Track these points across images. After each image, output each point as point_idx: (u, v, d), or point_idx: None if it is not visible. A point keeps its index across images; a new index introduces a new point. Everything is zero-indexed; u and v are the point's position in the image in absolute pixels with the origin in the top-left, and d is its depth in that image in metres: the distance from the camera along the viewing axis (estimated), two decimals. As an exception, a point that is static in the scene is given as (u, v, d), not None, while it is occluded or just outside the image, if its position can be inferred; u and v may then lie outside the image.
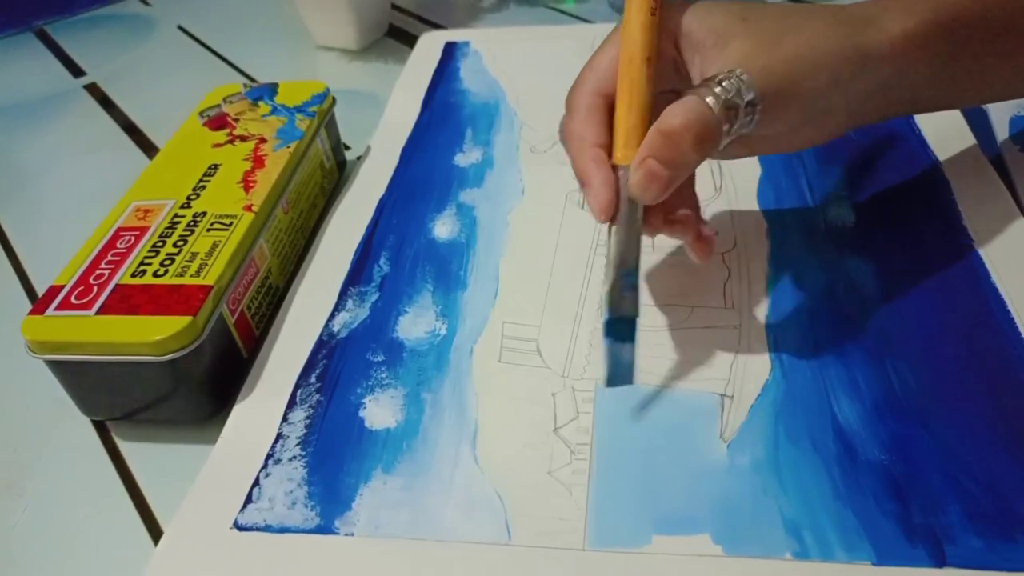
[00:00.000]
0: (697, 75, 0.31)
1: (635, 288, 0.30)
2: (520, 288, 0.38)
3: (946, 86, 0.33)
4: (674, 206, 0.33)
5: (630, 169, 0.30)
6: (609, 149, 0.31)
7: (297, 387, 0.35)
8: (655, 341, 0.35)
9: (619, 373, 0.31)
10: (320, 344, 0.37)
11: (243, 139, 0.43)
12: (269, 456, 0.32)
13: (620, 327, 0.30)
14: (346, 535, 0.29)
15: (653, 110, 0.30)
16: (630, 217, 0.30)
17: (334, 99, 0.47)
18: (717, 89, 0.28)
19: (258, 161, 0.41)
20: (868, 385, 0.32)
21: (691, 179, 0.35)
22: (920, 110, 0.37)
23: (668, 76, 0.33)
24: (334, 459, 0.32)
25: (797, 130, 0.31)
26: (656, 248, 0.39)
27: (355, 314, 0.38)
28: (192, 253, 0.35)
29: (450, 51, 0.58)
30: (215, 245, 0.36)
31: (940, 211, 0.39)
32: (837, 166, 0.43)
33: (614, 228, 0.31)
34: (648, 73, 0.31)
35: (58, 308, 0.33)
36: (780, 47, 0.29)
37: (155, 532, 0.32)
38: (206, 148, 0.43)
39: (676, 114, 0.29)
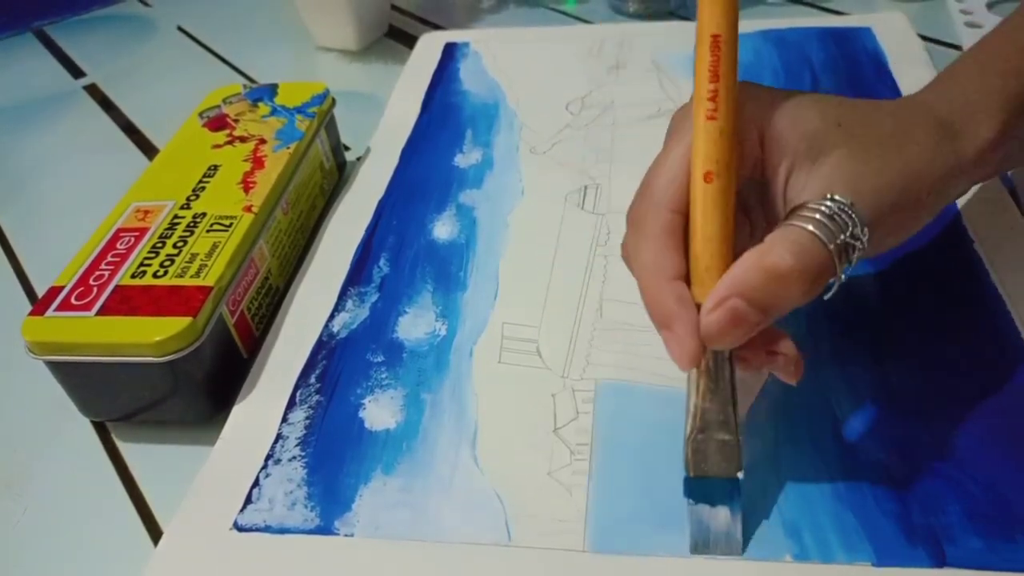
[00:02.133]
0: (781, 183, 0.27)
1: (731, 441, 0.26)
2: (520, 289, 0.38)
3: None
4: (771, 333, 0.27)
5: (703, 309, 0.25)
6: (689, 280, 0.26)
7: (297, 388, 0.35)
8: (654, 341, 0.35)
9: (713, 541, 0.27)
10: (320, 345, 0.37)
11: (243, 140, 0.43)
12: (269, 457, 0.32)
13: (712, 489, 0.27)
14: (346, 536, 0.29)
15: (732, 230, 0.26)
16: (718, 361, 0.26)
17: (334, 100, 0.47)
18: (826, 222, 0.25)
19: (258, 162, 0.41)
20: (868, 385, 0.32)
21: None
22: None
23: (745, 174, 0.28)
24: (334, 460, 0.32)
25: (893, 241, 0.28)
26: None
27: (355, 315, 0.38)
28: (192, 254, 0.35)
29: (450, 52, 0.58)
30: (215, 246, 0.36)
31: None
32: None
33: (694, 373, 0.26)
34: (715, 191, 0.26)
35: (58, 309, 0.33)
36: (884, 170, 0.26)
37: (155, 532, 0.32)
38: (206, 149, 0.43)
39: (785, 252, 0.24)
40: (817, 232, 0.24)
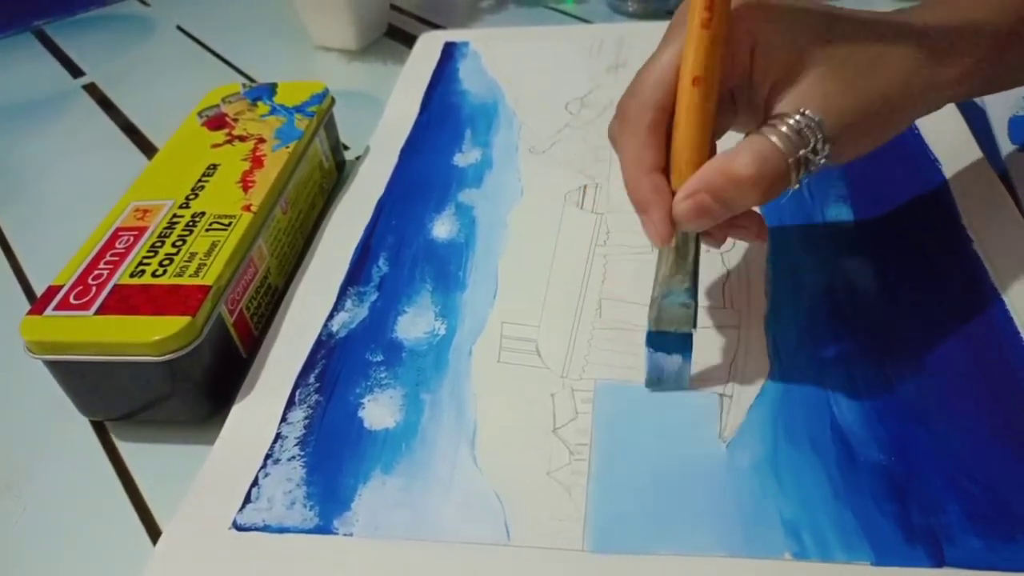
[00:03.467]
0: (765, 93, 0.29)
1: (689, 304, 0.30)
2: (519, 288, 0.38)
3: (1001, 79, 0.33)
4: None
5: (678, 194, 0.28)
6: (668, 172, 0.29)
7: (296, 387, 0.35)
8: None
9: (664, 380, 0.32)
10: (319, 344, 0.37)
11: (242, 139, 0.43)
12: (268, 456, 0.32)
13: (671, 340, 0.31)
14: (345, 535, 0.29)
15: (711, 129, 0.29)
16: (685, 239, 0.30)
17: (333, 99, 0.47)
18: (792, 136, 0.27)
19: (257, 161, 0.41)
20: (867, 385, 0.32)
21: None
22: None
23: (732, 80, 0.30)
24: (333, 459, 0.32)
25: (853, 154, 0.30)
26: (653, 248, 0.39)
27: (354, 314, 0.38)
28: (191, 253, 0.35)
29: (449, 51, 0.58)
30: (214, 245, 0.36)
31: (939, 211, 0.39)
32: (835, 167, 0.42)
33: (665, 248, 0.30)
34: (699, 96, 0.28)
35: (56, 308, 0.33)
36: (860, 89, 0.28)
37: (154, 532, 0.32)
38: (205, 148, 0.43)
39: (746, 161, 0.27)
40: (779, 144, 0.27)
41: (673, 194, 0.29)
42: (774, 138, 0.27)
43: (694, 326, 0.31)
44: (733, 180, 0.27)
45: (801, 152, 0.27)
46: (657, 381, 0.33)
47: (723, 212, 0.28)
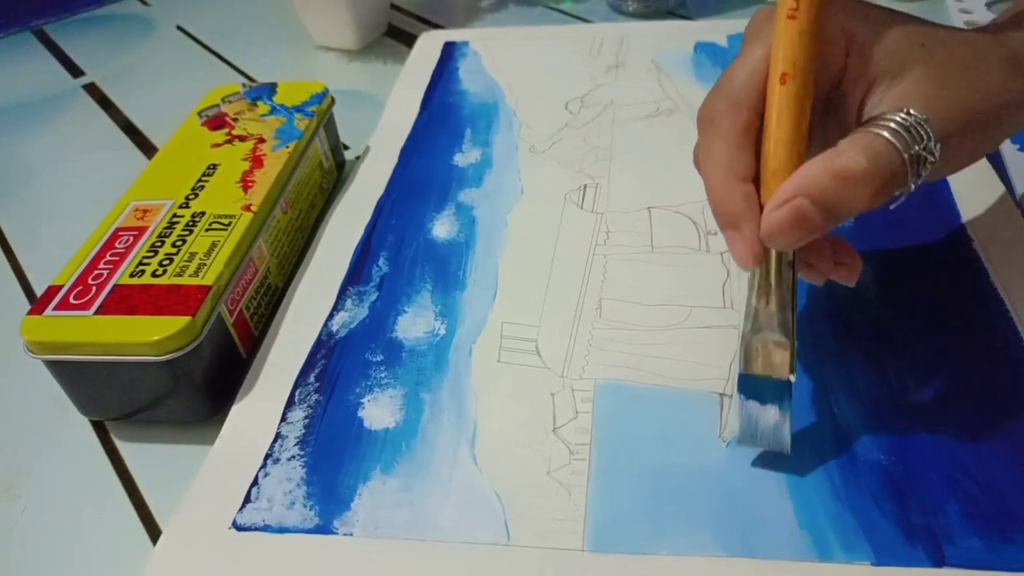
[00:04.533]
0: (860, 95, 0.27)
1: (785, 343, 0.26)
2: (519, 288, 0.38)
3: None
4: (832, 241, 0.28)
5: (765, 208, 0.25)
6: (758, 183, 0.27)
7: (296, 387, 0.35)
8: (654, 340, 0.35)
9: (759, 436, 0.28)
10: (319, 344, 0.37)
11: (242, 139, 0.43)
12: (268, 456, 0.32)
13: (763, 386, 0.27)
14: (345, 535, 0.29)
15: (805, 133, 0.26)
16: (781, 265, 0.26)
17: (333, 99, 0.47)
18: (902, 131, 0.25)
19: (257, 161, 0.41)
20: (866, 385, 0.32)
21: None
22: None
23: (827, 82, 0.28)
24: (333, 459, 0.32)
25: (957, 164, 0.29)
26: (657, 249, 0.39)
27: (354, 314, 0.38)
28: (191, 253, 0.35)
29: (449, 51, 0.58)
30: (214, 245, 0.36)
31: (939, 210, 0.39)
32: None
33: (755, 274, 0.27)
34: (791, 93, 0.26)
35: (56, 308, 0.33)
36: (961, 92, 0.26)
37: (153, 532, 0.32)
38: (205, 148, 0.43)
39: (855, 156, 0.24)
40: (892, 139, 0.25)
41: (763, 208, 0.26)
42: (884, 132, 0.25)
43: (792, 372, 0.26)
44: (841, 178, 0.24)
45: (915, 148, 0.25)
46: (751, 437, 0.28)
47: (824, 222, 0.25)
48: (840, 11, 0.27)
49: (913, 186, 0.25)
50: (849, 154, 0.25)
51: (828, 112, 0.29)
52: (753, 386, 0.27)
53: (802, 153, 0.26)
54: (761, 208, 0.26)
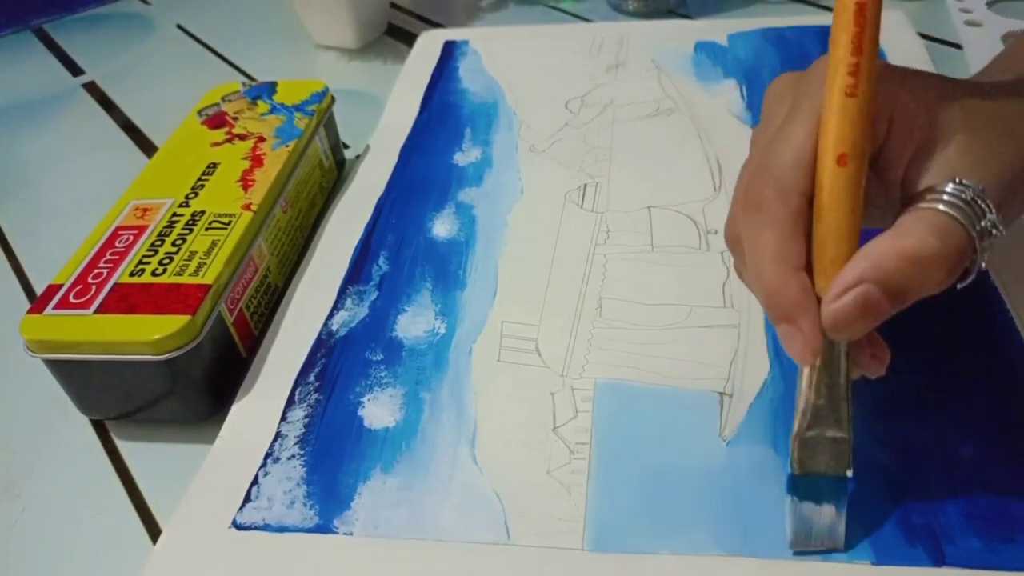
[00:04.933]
0: (903, 166, 0.26)
1: (843, 439, 0.25)
2: (519, 287, 0.38)
3: None
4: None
5: (827, 296, 0.24)
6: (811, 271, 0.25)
7: (296, 386, 0.35)
8: (654, 340, 0.35)
9: (813, 536, 0.27)
10: (319, 343, 0.37)
11: (242, 138, 0.43)
12: (268, 455, 0.32)
13: (819, 486, 0.26)
14: (345, 535, 0.29)
15: (861, 217, 0.25)
16: (834, 355, 0.25)
17: (333, 98, 0.47)
18: (962, 204, 0.23)
19: (257, 160, 0.41)
20: (866, 384, 0.32)
21: None
22: None
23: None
24: (333, 458, 0.32)
25: (1012, 222, 0.26)
26: (657, 249, 0.39)
27: (354, 313, 0.38)
28: (191, 252, 0.35)
29: (449, 50, 0.58)
30: (214, 244, 0.36)
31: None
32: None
33: (807, 368, 0.25)
34: (848, 177, 0.24)
35: (56, 307, 0.33)
36: (1006, 155, 0.25)
37: (154, 531, 0.32)
38: (205, 147, 0.43)
39: (928, 235, 0.23)
40: (957, 216, 0.23)
41: (818, 300, 0.24)
42: (948, 209, 0.23)
43: (851, 466, 0.26)
44: (911, 260, 0.23)
45: (982, 223, 0.23)
46: (805, 539, 0.27)
47: (893, 307, 0.23)
48: (883, 80, 0.25)
49: (983, 263, 0.24)
50: (918, 234, 0.23)
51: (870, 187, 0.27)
52: (807, 486, 0.26)
53: (857, 239, 0.24)
54: (817, 299, 0.24)
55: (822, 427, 0.25)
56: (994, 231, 0.24)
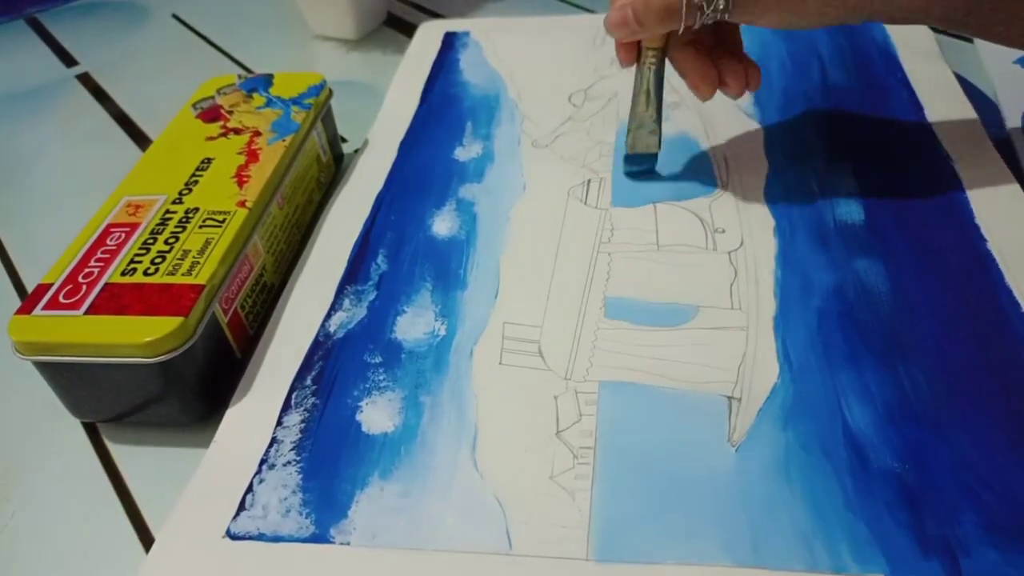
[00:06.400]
0: None
1: (655, 130, 0.40)
2: (521, 287, 0.37)
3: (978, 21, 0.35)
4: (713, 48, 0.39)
5: (614, 4, 0.36)
6: None
7: (292, 390, 0.34)
8: (660, 342, 0.34)
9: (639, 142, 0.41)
10: (316, 345, 0.36)
11: (237, 132, 0.42)
12: (263, 461, 0.31)
13: (641, 159, 0.42)
14: (342, 544, 0.28)
15: None
16: (657, 82, 0.39)
17: (331, 91, 0.46)
18: None
19: (252, 155, 0.40)
20: (880, 389, 0.31)
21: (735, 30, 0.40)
22: (896, 21, 0.36)
23: None
24: (330, 464, 0.31)
25: (771, 16, 0.35)
26: (662, 247, 0.38)
27: (352, 314, 0.37)
28: (184, 251, 0.34)
29: (449, 41, 0.57)
30: (207, 242, 0.35)
31: (952, 210, 0.38)
32: (846, 163, 0.42)
33: (642, 89, 0.39)
34: None
35: (46, 308, 0.32)
36: None
37: (146, 539, 0.31)
38: (199, 141, 0.42)
39: None
40: None
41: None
42: None
43: (659, 146, 0.41)
44: (646, 4, 0.35)
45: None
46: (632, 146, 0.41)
47: (635, 28, 0.36)
48: None
49: (696, 24, 0.35)
50: None
51: None
52: (635, 159, 0.42)
53: None
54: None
55: (645, 126, 0.40)
56: (708, 10, 0.34)
